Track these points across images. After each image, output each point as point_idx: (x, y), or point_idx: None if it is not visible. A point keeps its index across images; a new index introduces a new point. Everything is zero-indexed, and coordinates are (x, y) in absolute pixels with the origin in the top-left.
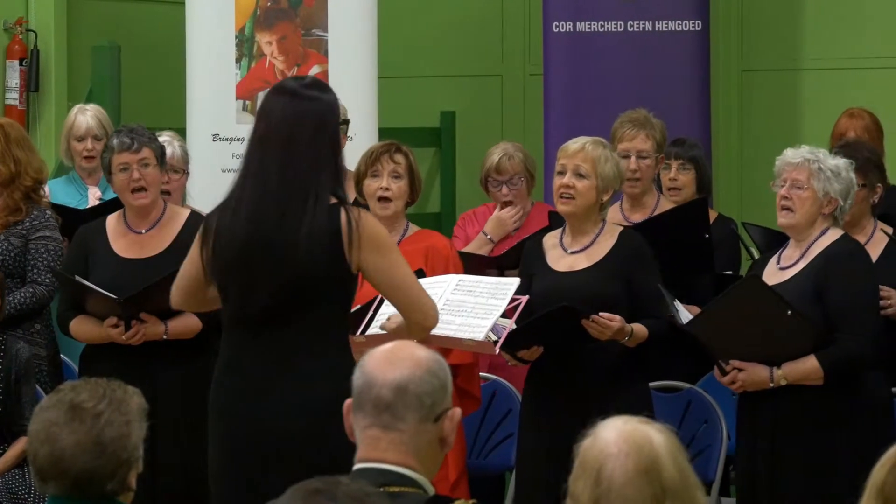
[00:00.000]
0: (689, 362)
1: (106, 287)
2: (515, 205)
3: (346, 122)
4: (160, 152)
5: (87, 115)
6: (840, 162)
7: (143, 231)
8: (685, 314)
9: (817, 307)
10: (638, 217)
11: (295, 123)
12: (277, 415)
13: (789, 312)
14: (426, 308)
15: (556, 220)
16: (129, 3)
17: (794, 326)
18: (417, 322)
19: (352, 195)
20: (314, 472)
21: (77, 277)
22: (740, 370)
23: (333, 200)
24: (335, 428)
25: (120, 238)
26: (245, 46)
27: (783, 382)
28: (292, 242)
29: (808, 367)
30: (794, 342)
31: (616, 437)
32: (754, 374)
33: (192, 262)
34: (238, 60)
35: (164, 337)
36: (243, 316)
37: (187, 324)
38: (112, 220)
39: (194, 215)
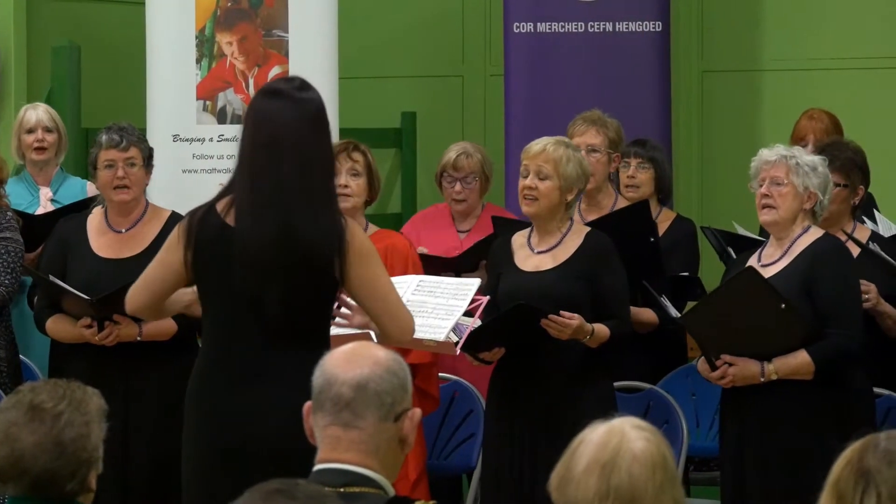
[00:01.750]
0: (650, 362)
1: (82, 286)
2: (467, 201)
3: None
4: (147, 153)
5: (38, 110)
6: (816, 158)
7: (124, 230)
8: (674, 310)
9: (805, 303)
10: (594, 217)
11: (300, 128)
12: (262, 423)
13: (783, 306)
14: (406, 321)
15: (501, 227)
16: (89, 3)
17: (787, 320)
18: (393, 335)
19: None
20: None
21: (50, 277)
22: (730, 365)
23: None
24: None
25: (100, 236)
26: (205, 47)
27: (774, 377)
28: (309, 250)
29: (799, 361)
30: (786, 336)
31: (605, 427)
32: (745, 368)
33: (164, 265)
34: (198, 61)
35: (139, 339)
36: (244, 322)
37: (162, 326)
38: (94, 218)
39: (175, 216)
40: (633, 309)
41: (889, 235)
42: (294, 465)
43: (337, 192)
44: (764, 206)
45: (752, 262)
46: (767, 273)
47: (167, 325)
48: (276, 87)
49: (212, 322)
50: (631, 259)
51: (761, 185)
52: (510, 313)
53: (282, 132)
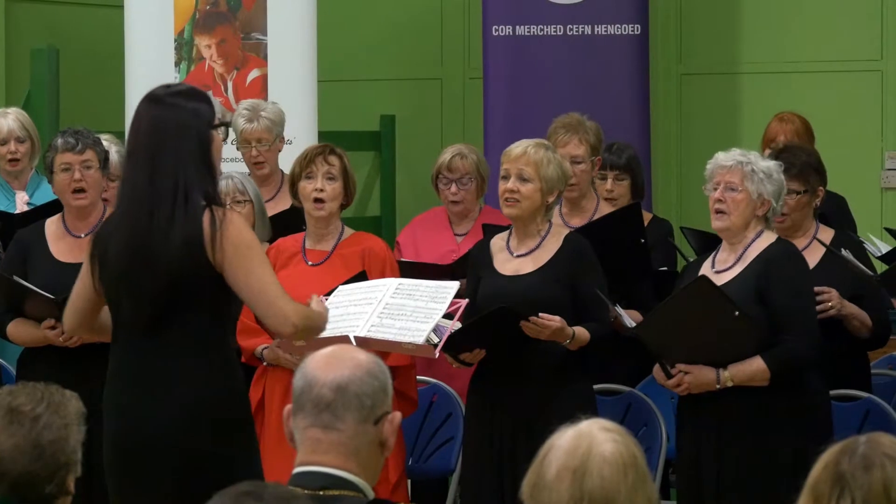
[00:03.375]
0: (629, 365)
1: (43, 291)
2: (463, 203)
3: (225, 124)
4: (104, 156)
5: (8, 119)
6: (771, 164)
7: (83, 235)
8: (628, 318)
9: (759, 309)
10: (577, 222)
11: (157, 131)
12: (149, 419)
13: (737, 314)
14: (284, 313)
15: (490, 234)
16: (68, 6)
17: (741, 328)
18: (270, 326)
19: (286, 198)
20: (185, 473)
21: (15, 277)
22: (686, 373)
23: (203, 202)
24: (203, 431)
25: (58, 241)
26: (184, 50)
27: (729, 384)
28: (162, 249)
29: (754, 367)
30: (740, 343)
31: (573, 432)
32: (701, 376)
33: (82, 279)
34: (177, 64)
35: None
36: (125, 324)
37: None
38: (52, 224)
39: None
40: (627, 311)
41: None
42: (182, 466)
43: (211, 186)
44: (717, 212)
45: (706, 267)
46: (722, 279)
47: None
48: (152, 93)
49: (112, 328)
50: (621, 262)
51: (715, 190)
52: (491, 315)
53: (140, 136)
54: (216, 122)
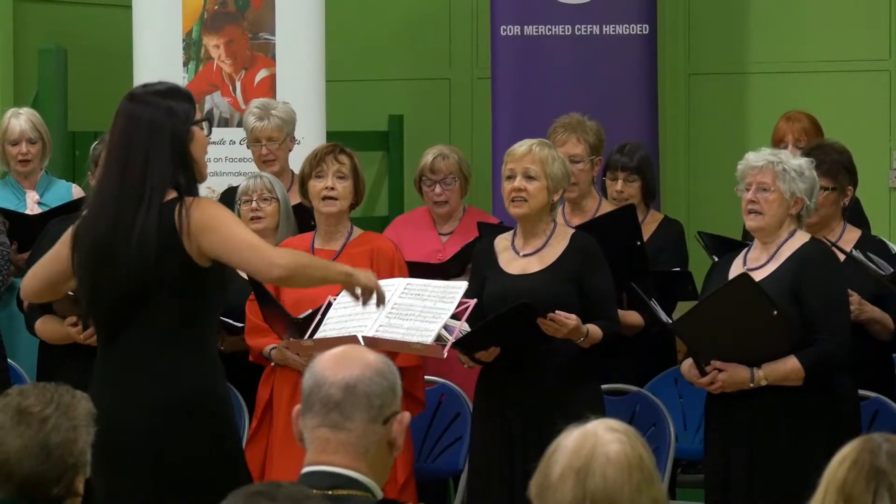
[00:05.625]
0: (631, 364)
1: None
2: (448, 203)
3: (207, 120)
4: None
5: (20, 119)
6: (802, 161)
7: None
8: (664, 314)
9: (792, 308)
10: (578, 221)
11: (129, 128)
12: (122, 414)
13: (775, 313)
14: (269, 258)
15: (485, 232)
16: (76, 6)
17: (778, 327)
18: (263, 274)
19: (295, 198)
20: (161, 470)
21: None
22: (720, 371)
23: (173, 195)
24: (178, 425)
25: None
26: (192, 50)
27: (763, 383)
28: (125, 245)
29: (788, 367)
30: (775, 343)
31: (579, 432)
32: (735, 374)
33: (57, 259)
34: (185, 64)
35: None
36: (95, 320)
37: None
38: None
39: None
40: (620, 312)
41: None
42: (159, 463)
43: (186, 179)
44: (750, 212)
45: (737, 265)
46: (756, 277)
47: None
48: (131, 92)
49: None
50: (617, 263)
51: (748, 190)
52: (512, 312)
53: (114, 134)
54: (196, 118)
